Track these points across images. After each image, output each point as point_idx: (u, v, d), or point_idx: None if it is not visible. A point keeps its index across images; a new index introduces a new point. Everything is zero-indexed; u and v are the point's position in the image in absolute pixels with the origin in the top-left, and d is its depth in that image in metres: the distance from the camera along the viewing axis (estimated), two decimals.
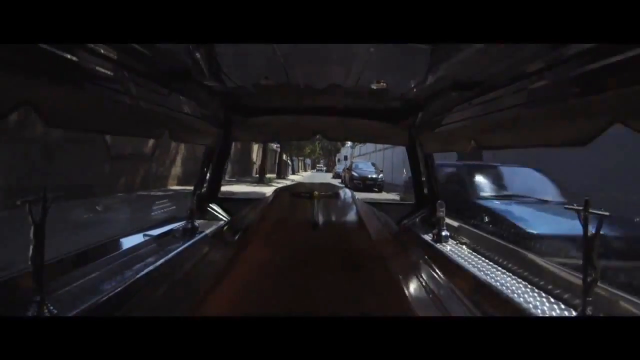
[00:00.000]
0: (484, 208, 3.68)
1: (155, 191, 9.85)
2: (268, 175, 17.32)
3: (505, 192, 4.13)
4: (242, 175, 16.30)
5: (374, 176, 14.76)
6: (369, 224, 1.65)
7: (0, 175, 5.66)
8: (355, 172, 15.18)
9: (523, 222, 3.20)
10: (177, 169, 11.82)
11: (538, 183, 4.20)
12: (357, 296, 1.20)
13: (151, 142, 10.08)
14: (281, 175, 22.76)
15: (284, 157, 24.53)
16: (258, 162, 22.59)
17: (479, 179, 4.38)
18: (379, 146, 23.11)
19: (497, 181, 4.39)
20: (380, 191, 13.63)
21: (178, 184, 11.55)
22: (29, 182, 5.81)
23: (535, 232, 3.03)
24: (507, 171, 4.61)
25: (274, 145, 21.70)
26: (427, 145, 2.08)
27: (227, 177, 14.09)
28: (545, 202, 3.82)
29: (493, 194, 4.14)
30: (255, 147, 23.02)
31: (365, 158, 26.13)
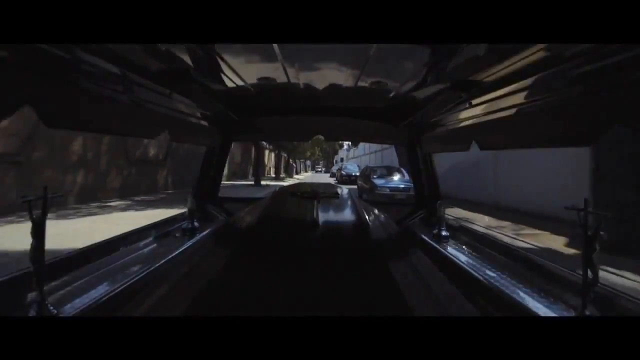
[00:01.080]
0: (372, 182, 11.12)
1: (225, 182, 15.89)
2: (280, 175, 24.36)
3: (381, 175, 11.64)
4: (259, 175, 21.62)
5: (357, 174, 20.51)
6: (369, 224, 1.65)
7: (173, 173, 13.07)
8: (344, 171, 23.25)
9: (377, 183, 10.93)
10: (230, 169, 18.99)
11: (399, 172, 11.42)
12: (358, 296, 1.20)
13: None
14: (289, 174, 29.94)
15: (290, 160, 32.04)
16: (269, 165, 29.36)
17: (375, 171, 12.28)
18: (367, 149, 31.88)
19: (381, 171, 12.07)
20: None
21: (233, 179, 18.99)
22: (189, 177, 12.11)
23: (378, 186, 10.70)
24: (389, 168, 12.41)
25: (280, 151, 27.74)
26: (427, 145, 2.07)
27: (250, 177, 21.65)
28: (393, 178, 11.16)
29: (376, 176, 11.61)
30: (266, 152, 28.90)
31: (357, 160, 35.01)
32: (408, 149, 2.24)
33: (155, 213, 7.02)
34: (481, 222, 7.43)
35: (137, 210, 8.28)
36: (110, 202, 9.14)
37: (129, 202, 9.38)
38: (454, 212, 8.15)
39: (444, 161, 10.46)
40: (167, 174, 12.97)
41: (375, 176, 11.46)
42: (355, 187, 13.15)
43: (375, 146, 28.00)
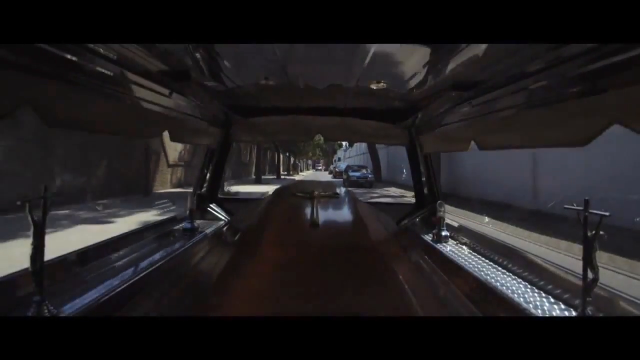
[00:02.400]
0: (348, 174, 21.46)
1: (249, 177, 23.17)
2: (290, 172, 35.15)
3: (353, 170, 21.89)
4: (272, 173, 30.60)
5: None
6: (369, 224, 1.65)
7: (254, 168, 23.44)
8: (337, 169, 33.30)
9: (350, 174, 20.95)
10: (252, 168, 26.29)
11: (364, 168, 22.42)
12: (357, 296, 1.20)
13: (247, 156, 24.58)
14: (295, 171, 39.86)
15: (296, 161, 42.18)
16: (278, 165, 37.32)
17: (352, 167, 23.72)
18: (359, 150, 37.97)
19: (354, 168, 22.83)
20: None
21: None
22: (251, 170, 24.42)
23: (350, 175, 20.60)
24: (359, 166, 24.29)
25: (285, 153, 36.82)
26: (427, 145, 2.07)
27: (266, 173, 29.25)
28: (360, 171, 21.51)
29: (351, 171, 21.92)
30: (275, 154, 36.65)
31: (351, 159, 42.10)
32: (408, 149, 2.24)
33: (264, 187, 13.37)
34: (395, 193, 14.47)
35: (253, 185, 15.96)
36: (234, 184, 14.92)
37: (245, 184, 16.24)
38: (392, 190, 15.87)
39: (399, 156, 18.91)
40: (249, 168, 24.12)
41: (350, 171, 21.26)
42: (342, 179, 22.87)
43: (365, 148, 33.81)
